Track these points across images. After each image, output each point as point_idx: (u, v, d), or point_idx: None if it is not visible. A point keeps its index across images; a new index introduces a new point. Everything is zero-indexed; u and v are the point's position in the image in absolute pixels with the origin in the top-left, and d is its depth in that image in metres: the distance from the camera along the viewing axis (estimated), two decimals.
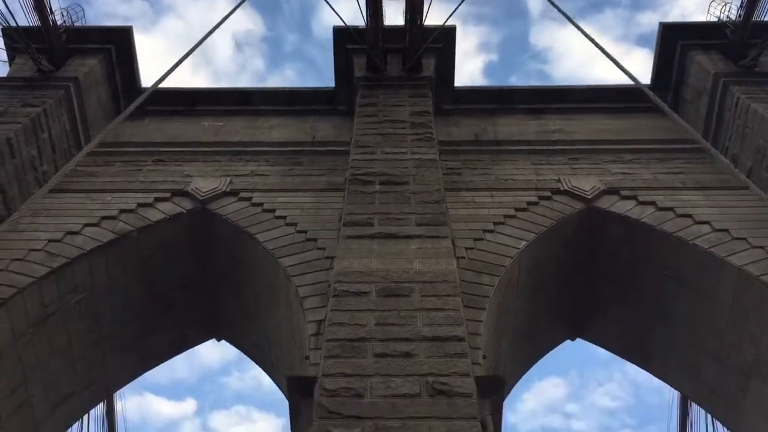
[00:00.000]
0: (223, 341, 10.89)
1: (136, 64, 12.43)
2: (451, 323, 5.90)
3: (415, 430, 4.81)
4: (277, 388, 9.99)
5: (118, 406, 11.91)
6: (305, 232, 9.24)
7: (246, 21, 32.62)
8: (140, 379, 10.42)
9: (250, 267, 9.62)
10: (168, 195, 10.08)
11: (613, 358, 10.98)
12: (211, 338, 10.82)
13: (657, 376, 10.31)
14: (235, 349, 10.88)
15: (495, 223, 9.44)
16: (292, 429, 6.83)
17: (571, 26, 10.92)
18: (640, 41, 33.89)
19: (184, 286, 10.17)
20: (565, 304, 10.43)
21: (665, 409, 15.35)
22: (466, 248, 8.82)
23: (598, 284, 10.23)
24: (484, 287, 8.32)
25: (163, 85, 10.36)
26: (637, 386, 31.63)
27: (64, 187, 10.40)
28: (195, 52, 10.42)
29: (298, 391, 6.43)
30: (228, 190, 10.13)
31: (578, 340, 10.97)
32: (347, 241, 7.33)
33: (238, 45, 33.99)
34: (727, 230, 9.24)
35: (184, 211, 9.87)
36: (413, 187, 8.40)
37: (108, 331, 9.52)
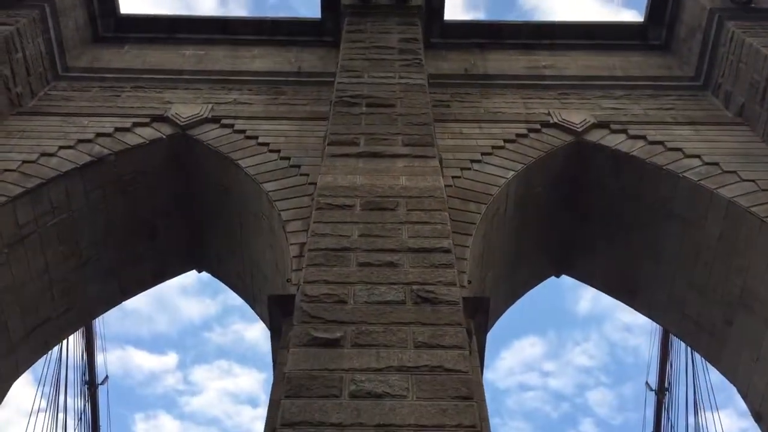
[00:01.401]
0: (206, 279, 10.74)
1: None
2: (437, 236, 5.74)
3: (398, 335, 4.68)
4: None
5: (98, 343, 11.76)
6: (288, 158, 9.02)
7: None
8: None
9: (233, 194, 9.40)
10: (147, 120, 9.79)
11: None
12: (192, 269, 10.63)
13: (641, 312, 10.27)
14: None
15: (483, 154, 9.27)
16: (273, 349, 6.70)
17: None
18: None
19: (167, 214, 9.94)
20: (551, 239, 10.31)
21: (641, 368, 15.45)
22: (453, 177, 8.64)
23: (586, 219, 10.11)
24: (471, 214, 8.17)
25: (142, 11, 9.98)
26: (612, 345, 32.02)
27: (39, 110, 10.14)
28: None
29: (279, 309, 6.28)
30: (209, 116, 9.85)
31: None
32: (331, 159, 7.12)
33: None
34: (717, 164, 9.14)
35: (164, 137, 9.59)
36: (400, 109, 8.17)
37: (88, 257, 9.31)
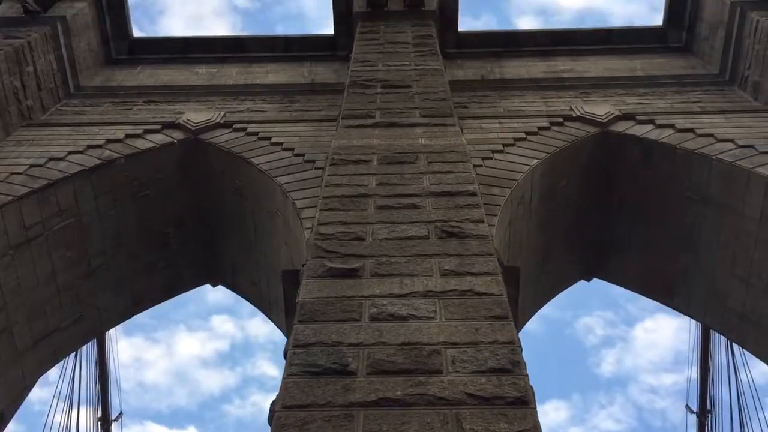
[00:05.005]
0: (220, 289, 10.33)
1: (127, 9, 12.00)
2: (461, 182, 5.33)
3: (423, 265, 4.22)
4: None
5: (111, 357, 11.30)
6: (302, 155, 8.69)
7: None
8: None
9: (246, 195, 9.06)
10: (158, 127, 9.56)
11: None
12: (206, 282, 10.21)
13: (680, 310, 9.69)
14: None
15: (504, 145, 8.89)
16: (287, 328, 6.22)
17: None
18: None
19: (179, 222, 9.60)
20: (580, 238, 9.82)
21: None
22: (475, 166, 8.24)
23: (616, 214, 9.64)
24: (495, 197, 7.73)
25: (153, 27, 9.90)
26: (639, 408, 30.82)
27: (50, 121, 9.97)
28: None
29: (293, 285, 5.85)
30: (221, 121, 9.61)
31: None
32: (346, 129, 6.77)
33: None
34: (752, 146, 8.69)
35: (175, 141, 9.33)
36: (417, 89, 7.85)
37: (98, 265, 8.95)
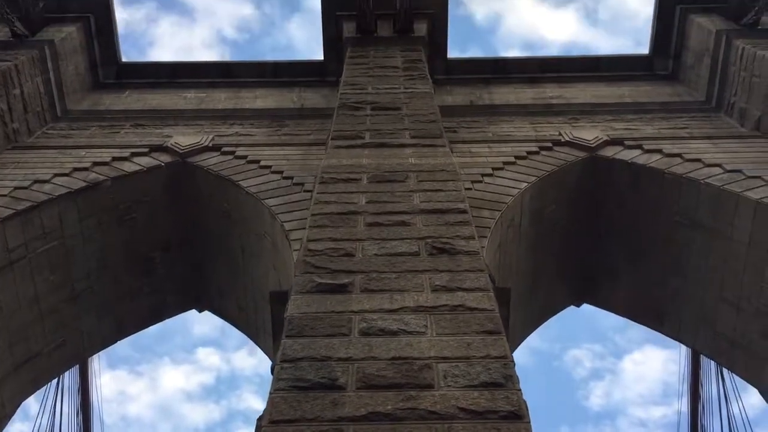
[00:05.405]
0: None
1: (116, 35, 11.98)
2: (452, 200, 5.29)
3: (414, 280, 4.15)
4: None
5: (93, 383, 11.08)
6: (291, 178, 8.64)
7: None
8: None
9: (234, 218, 8.98)
10: (146, 150, 9.49)
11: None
12: (192, 308, 10.08)
13: (670, 336, 9.63)
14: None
15: (494, 168, 8.88)
16: (274, 351, 6.12)
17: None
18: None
19: (165, 247, 9.50)
20: (570, 263, 9.79)
21: None
22: (465, 189, 8.22)
23: (604, 240, 9.63)
24: (485, 220, 7.69)
25: (143, 58, 9.89)
26: None
27: (36, 144, 9.88)
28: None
29: (281, 306, 5.76)
30: (210, 145, 9.56)
31: None
32: (335, 149, 6.73)
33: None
34: (740, 170, 8.72)
35: (162, 164, 9.27)
36: (406, 111, 7.84)
37: (82, 289, 8.82)
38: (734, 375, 9.76)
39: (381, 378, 3.47)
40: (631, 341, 30.67)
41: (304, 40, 34.47)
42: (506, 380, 3.52)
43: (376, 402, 3.34)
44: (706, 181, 8.63)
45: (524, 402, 3.47)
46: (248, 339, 9.69)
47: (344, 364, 3.54)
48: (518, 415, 3.35)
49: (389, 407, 3.31)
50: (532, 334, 10.15)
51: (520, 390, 3.50)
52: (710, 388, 11.96)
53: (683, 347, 11.90)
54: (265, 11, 34.68)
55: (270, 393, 3.50)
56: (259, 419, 3.46)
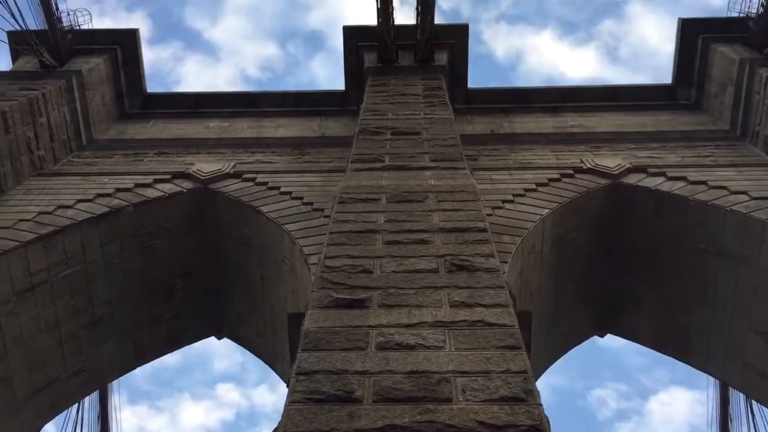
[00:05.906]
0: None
1: (142, 66, 12.17)
2: (472, 219, 5.24)
3: (432, 296, 4.09)
4: None
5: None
6: (311, 203, 8.65)
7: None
8: None
9: (253, 244, 8.98)
10: (168, 177, 9.56)
11: None
12: (211, 335, 10.05)
13: (697, 367, 9.41)
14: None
15: (515, 195, 8.83)
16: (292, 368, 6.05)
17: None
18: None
19: (185, 273, 9.50)
20: (593, 292, 9.65)
21: None
22: (486, 215, 8.17)
23: (628, 267, 9.48)
24: (506, 245, 7.64)
25: (167, 89, 10.03)
26: None
27: (60, 171, 9.99)
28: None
29: (298, 327, 5.72)
30: (231, 171, 9.62)
31: None
32: (355, 172, 6.72)
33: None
34: (766, 198, 8.58)
35: (184, 190, 9.32)
36: (426, 135, 7.84)
37: (102, 315, 8.82)
38: (765, 409, 9.50)
39: (398, 391, 3.40)
40: (657, 381, 30.04)
41: (326, 76, 34.79)
42: (527, 395, 3.44)
43: (393, 415, 3.27)
44: (732, 208, 8.50)
45: (545, 417, 3.38)
46: (268, 375, 9.63)
47: (361, 377, 3.48)
48: (540, 429, 3.26)
49: (406, 420, 3.24)
50: (555, 372, 10.00)
51: (541, 405, 3.41)
52: (740, 427, 11.67)
53: (711, 388, 11.66)
54: (288, 51, 35.12)
55: (285, 405, 3.45)
56: (275, 431, 3.41)
